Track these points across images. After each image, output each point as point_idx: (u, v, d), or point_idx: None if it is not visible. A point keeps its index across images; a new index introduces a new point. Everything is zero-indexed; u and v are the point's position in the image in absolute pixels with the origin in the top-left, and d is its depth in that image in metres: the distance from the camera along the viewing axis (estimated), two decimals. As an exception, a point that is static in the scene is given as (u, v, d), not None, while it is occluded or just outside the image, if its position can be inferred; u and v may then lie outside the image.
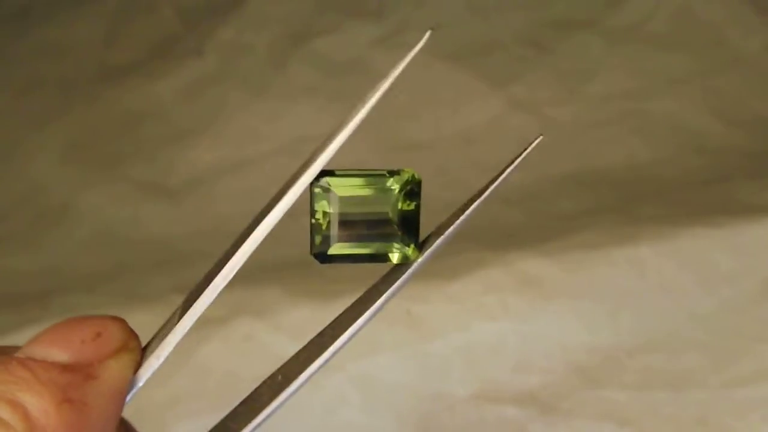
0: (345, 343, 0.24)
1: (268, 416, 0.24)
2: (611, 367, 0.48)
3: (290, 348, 0.52)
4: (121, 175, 0.67)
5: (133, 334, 0.21)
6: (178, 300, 0.56)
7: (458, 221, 0.22)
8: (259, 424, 0.24)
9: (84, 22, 0.78)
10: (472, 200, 0.23)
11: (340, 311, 0.53)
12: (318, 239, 0.22)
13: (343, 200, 0.22)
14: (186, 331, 0.22)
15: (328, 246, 0.22)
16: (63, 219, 0.64)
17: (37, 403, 0.18)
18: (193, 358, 0.49)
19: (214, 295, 0.22)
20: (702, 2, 0.70)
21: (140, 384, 0.21)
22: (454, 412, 0.47)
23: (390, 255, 0.23)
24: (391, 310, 0.50)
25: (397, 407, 0.47)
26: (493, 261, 0.52)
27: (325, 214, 0.22)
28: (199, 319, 0.53)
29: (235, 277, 0.56)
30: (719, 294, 0.50)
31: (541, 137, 0.22)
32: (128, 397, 0.21)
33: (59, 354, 0.19)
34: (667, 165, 0.61)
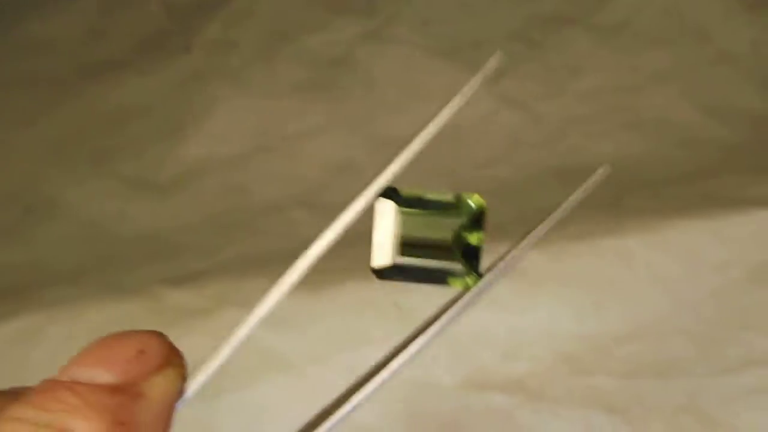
0: (399, 368, 0.23)
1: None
2: (598, 355, 0.48)
3: (275, 339, 0.52)
4: (108, 170, 0.67)
5: (175, 349, 0.21)
6: (164, 291, 0.56)
7: (522, 246, 0.23)
8: None
9: (71, 17, 0.78)
10: (531, 230, 0.23)
11: (327, 302, 0.53)
12: (378, 256, 0.22)
13: (406, 220, 0.22)
14: (237, 344, 0.22)
15: (388, 264, 0.22)
16: (50, 214, 0.64)
17: (89, 428, 0.18)
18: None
19: (272, 304, 0.23)
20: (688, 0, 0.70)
21: (189, 395, 0.21)
22: (441, 400, 0.47)
23: (450, 280, 0.23)
24: (377, 302, 0.51)
25: (384, 397, 0.47)
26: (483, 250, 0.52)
27: (387, 231, 0.22)
28: (183, 310, 0.53)
29: (220, 269, 0.56)
30: (706, 283, 0.50)
31: (605, 168, 0.24)
32: (178, 410, 0.21)
33: (105, 375, 0.19)
34: (655, 159, 0.62)
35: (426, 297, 0.51)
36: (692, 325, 0.49)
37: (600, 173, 0.22)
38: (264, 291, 0.53)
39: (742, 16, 0.68)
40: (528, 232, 0.23)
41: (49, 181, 0.66)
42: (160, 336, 0.21)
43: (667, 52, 0.68)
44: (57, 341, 0.51)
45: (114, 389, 0.19)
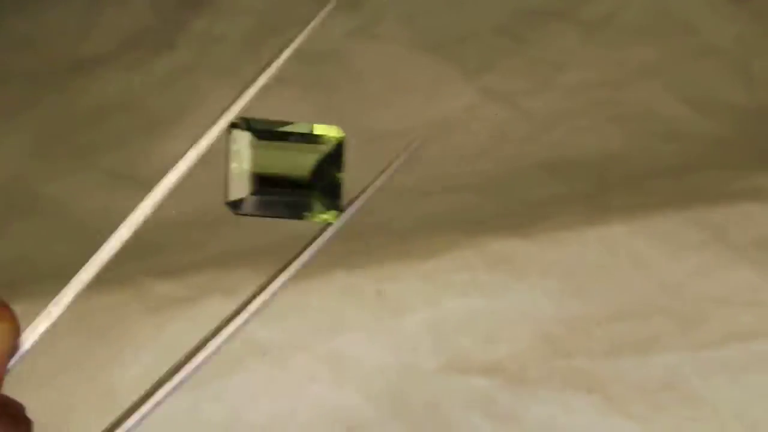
0: (265, 303, 0.23)
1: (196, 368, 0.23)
2: (579, 336, 0.48)
3: (257, 327, 0.52)
4: (93, 165, 0.67)
5: (5, 306, 0.22)
6: (149, 282, 0.56)
7: (378, 181, 0.22)
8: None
9: (56, 14, 0.78)
10: (391, 163, 0.22)
11: (310, 292, 0.52)
12: (232, 189, 0.22)
13: (262, 153, 0.21)
14: (70, 299, 0.23)
15: (242, 197, 0.22)
16: (33, 209, 0.64)
17: None
18: (161, 336, 0.49)
19: (106, 258, 0.22)
20: (674, -7, 0.70)
21: (26, 347, 0.22)
22: (423, 384, 0.47)
23: (309, 216, 0.22)
24: (360, 290, 0.51)
25: (367, 382, 0.47)
26: (466, 243, 0.52)
27: (241, 164, 0.21)
28: (168, 298, 0.53)
29: (204, 262, 0.56)
30: (687, 262, 0.51)
31: (419, 142, 0.22)
32: (12, 362, 0.21)
33: None
34: (640, 152, 0.62)
35: (408, 285, 0.51)
36: (673, 303, 0.49)
37: (413, 146, 0.22)
38: (246, 280, 0.53)
39: (727, 9, 0.68)
40: (388, 165, 0.22)
41: (32, 176, 0.66)
42: None
43: (652, 47, 0.68)
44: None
45: None
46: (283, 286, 0.23)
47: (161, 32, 0.76)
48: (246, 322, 0.23)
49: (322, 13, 0.21)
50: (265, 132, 0.21)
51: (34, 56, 0.76)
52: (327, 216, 0.21)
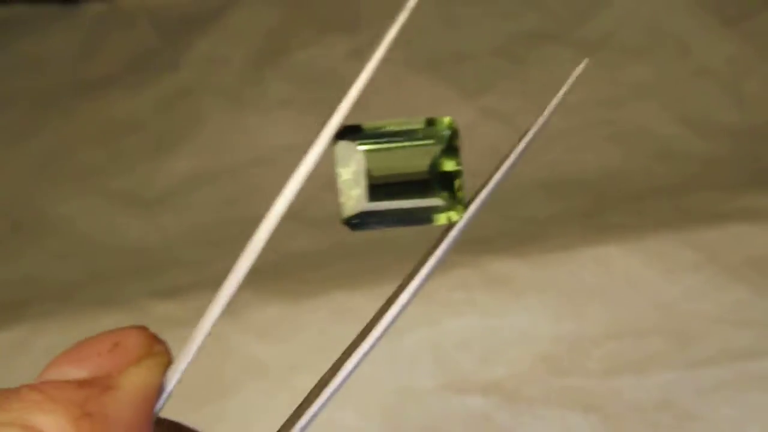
0: (399, 313, 0.22)
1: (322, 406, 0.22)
2: (576, 355, 0.49)
3: (259, 348, 0.53)
4: (98, 186, 0.67)
5: (156, 339, 0.20)
6: (153, 305, 0.57)
7: (504, 168, 0.21)
8: (311, 417, 0.22)
9: (61, 35, 0.79)
10: (514, 148, 0.21)
11: (310, 312, 0.53)
12: (347, 205, 0.20)
13: (372, 158, 0.19)
14: (209, 327, 0.21)
15: (360, 211, 0.20)
16: (39, 229, 0.65)
17: (53, 422, 0.17)
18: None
19: (237, 283, 0.20)
20: (669, 15, 0.71)
21: (170, 388, 0.20)
22: (420, 403, 0.48)
23: (433, 217, 0.20)
24: (358, 310, 0.51)
25: (365, 401, 0.47)
26: (463, 262, 0.53)
27: (352, 174, 0.19)
28: (168, 319, 0.54)
29: (208, 282, 0.57)
30: (683, 282, 0.51)
31: (585, 62, 0.21)
32: (160, 403, 0.20)
33: (75, 372, 0.19)
34: (636, 172, 0.62)
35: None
36: (668, 322, 0.50)
37: (581, 68, 0.21)
38: (247, 299, 0.53)
39: (720, 31, 0.69)
40: (509, 152, 0.21)
41: (38, 197, 0.67)
42: (138, 328, 0.20)
43: (647, 67, 0.69)
44: (43, 353, 0.51)
45: (82, 383, 0.18)
46: (415, 293, 0.21)
47: (165, 54, 0.77)
48: (373, 345, 0.22)
49: (411, 2, 0.20)
50: (372, 136, 0.19)
51: (39, 77, 0.77)
52: (452, 214, 0.20)
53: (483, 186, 0.21)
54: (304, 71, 0.74)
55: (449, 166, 0.20)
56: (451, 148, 0.20)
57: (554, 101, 0.21)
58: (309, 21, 0.76)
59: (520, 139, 0.21)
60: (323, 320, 0.51)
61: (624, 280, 0.52)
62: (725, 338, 0.48)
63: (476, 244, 0.55)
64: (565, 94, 0.21)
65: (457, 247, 0.59)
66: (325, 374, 0.23)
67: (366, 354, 0.22)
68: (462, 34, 0.73)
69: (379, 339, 0.22)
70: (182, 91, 0.73)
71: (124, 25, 0.79)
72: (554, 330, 0.50)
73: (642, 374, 0.48)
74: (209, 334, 0.21)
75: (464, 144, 0.66)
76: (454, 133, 0.20)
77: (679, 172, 0.62)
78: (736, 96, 0.66)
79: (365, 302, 0.51)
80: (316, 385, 0.22)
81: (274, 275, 0.53)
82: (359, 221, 0.20)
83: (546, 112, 0.21)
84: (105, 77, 0.76)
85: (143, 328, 0.20)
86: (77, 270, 0.61)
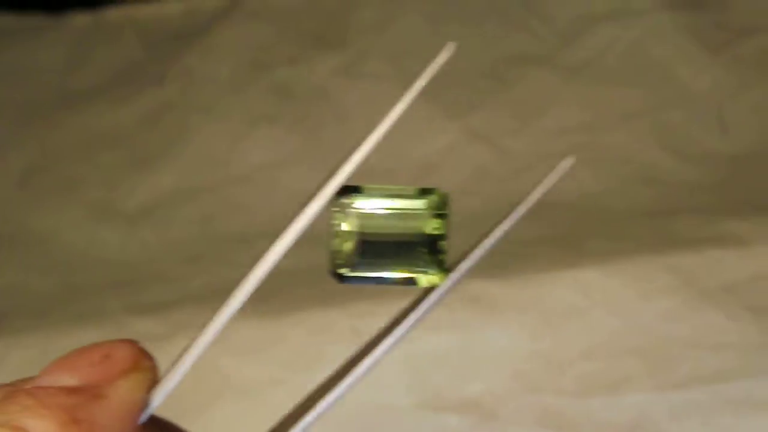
0: (370, 368, 0.22)
1: None
2: (552, 374, 0.49)
3: (234, 364, 0.52)
4: (78, 199, 0.67)
5: (145, 354, 0.21)
6: (132, 321, 0.56)
7: (487, 243, 0.22)
8: None
9: (46, 47, 0.79)
10: (498, 223, 0.22)
11: (286, 328, 0.53)
12: (338, 258, 0.21)
13: (367, 218, 0.21)
14: (201, 351, 0.22)
15: (348, 266, 0.21)
16: (19, 242, 0.64)
17: (41, 425, 0.18)
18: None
19: (232, 312, 0.22)
20: (653, 40, 0.71)
21: (155, 405, 0.21)
22: (396, 421, 0.48)
23: (417, 278, 0.21)
24: (335, 327, 0.51)
25: (341, 419, 0.47)
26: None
27: (345, 232, 0.21)
28: (148, 335, 0.54)
29: (186, 298, 0.56)
30: (659, 304, 0.51)
31: (571, 160, 0.22)
32: (143, 417, 0.21)
33: (67, 379, 0.20)
34: (617, 197, 0.63)
35: (383, 322, 0.52)
36: (643, 344, 0.50)
37: (564, 165, 0.22)
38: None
39: (705, 56, 0.70)
40: (493, 227, 0.22)
41: (19, 209, 0.66)
42: (129, 342, 0.21)
43: (631, 91, 0.69)
44: (18, 368, 0.51)
45: (72, 390, 0.19)
46: (383, 354, 0.22)
47: (151, 68, 0.76)
48: (340, 396, 0.22)
49: (443, 56, 0.22)
50: (368, 197, 0.21)
51: (23, 89, 0.76)
52: (434, 278, 0.21)
53: (466, 255, 0.22)
54: (289, 88, 0.74)
55: (436, 232, 0.21)
56: (439, 216, 0.21)
57: (536, 192, 0.22)
58: (296, 38, 0.76)
59: (504, 218, 0.22)
60: (300, 337, 0.51)
61: (601, 302, 0.52)
62: (699, 361, 0.49)
63: (456, 263, 0.55)
64: (547, 189, 0.22)
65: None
66: (283, 420, 0.23)
67: (329, 406, 0.23)
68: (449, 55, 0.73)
69: (344, 393, 0.22)
70: (167, 105, 0.73)
71: (110, 38, 0.79)
72: (531, 348, 0.50)
73: (616, 394, 0.48)
74: (199, 357, 0.22)
75: (447, 164, 0.66)
76: (445, 203, 0.21)
77: (660, 197, 0.62)
78: (718, 122, 0.66)
79: (341, 319, 0.51)
80: (288, 416, 0.23)
81: (253, 293, 0.53)
82: (346, 275, 0.21)
83: (531, 199, 0.22)
84: (89, 90, 0.76)
85: (133, 342, 0.21)
86: (56, 284, 0.60)
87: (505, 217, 0.22)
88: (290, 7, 0.78)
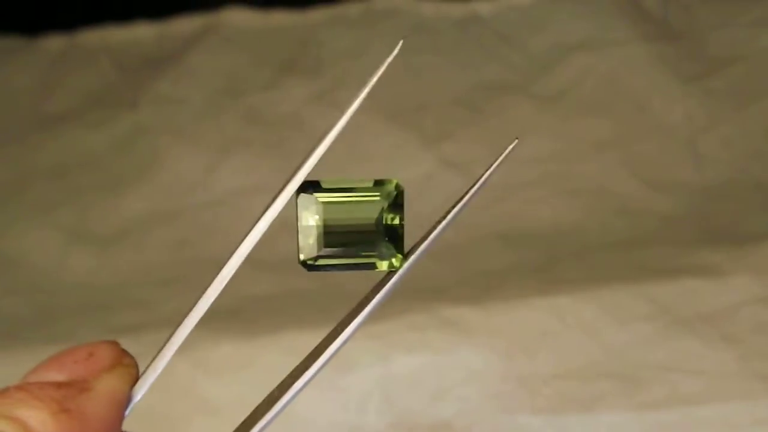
0: (338, 349, 0.24)
1: (265, 426, 0.25)
2: (525, 394, 0.49)
3: (208, 385, 0.52)
4: (51, 222, 0.67)
5: (125, 353, 0.23)
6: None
7: (440, 227, 0.23)
8: None
9: (20, 70, 0.78)
10: (452, 208, 0.23)
11: (260, 349, 0.52)
12: (304, 248, 0.23)
13: (329, 210, 0.22)
14: (177, 345, 0.24)
15: (315, 255, 0.23)
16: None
17: (35, 415, 0.20)
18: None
19: (205, 308, 0.23)
20: (628, 71, 0.72)
21: (138, 398, 0.22)
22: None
23: (377, 264, 0.23)
24: (308, 348, 0.50)
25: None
26: (419, 308, 0.53)
27: (311, 223, 0.22)
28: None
29: (158, 322, 0.56)
30: (634, 331, 0.52)
31: (517, 141, 0.24)
32: (127, 410, 0.22)
33: (55, 375, 0.21)
34: (592, 226, 0.63)
35: (357, 344, 0.52)
36: (618, 367, 0.50)
37: (510, 147, 0.24)
38: (199, 336, 0.52)
39: (678, 88, 0.70)
40: (447, 212, 0.23)
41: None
42: (110, 342, 0.22)
43: (605, 122, 0.70)
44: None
45: (61, 384, 0.21)
46: (350, 335, 0.24)
47: (124, 92, 0.76)
48: (312, 378, 0.25)
49: (390, 57, 0.23)
50: (329, 191, 0.23)
51: (-5, 112, 0.76)
52: (393, 261, 0.23)
53: (422, 240, 0.23)
54: (262, 114, 0.74)
55: (393, 220, 0.23)
56: (396, 205, 0.23)
57: (486, 174, 0.24)
58: (269, 64, 0.77)
59: (455, 203, 0.24)
60: (272, 358, 0.50)
61: (575, 327, 0.52)
62: (673, 384, 0.49)
63: (431, 292, 0.55)
64: (496, 168, 0.24)
65: (412, 294, 0.59)
66: (259, 405, 0.26)
67: (302, 389, 0.25)
68: (423, 83, 0.73)
69: (315, 375, 0.25)
70: (140, 129, 0.73)
71: (84, 62, 0.78)
72: (505, 369, 0.50)
73: (589, 414, 0.48)
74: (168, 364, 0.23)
75: (422, 192, 0.65)
76: (400, 193, 0.23)
77: (634, 227, 0.62)
78: (692, 153, 0.67)
79: (314, 341, 0.50)
80: (249, 416, 0.25)
81: (227, 315, 0.53)
82: (314, 263, 0.23)
83: (481, 180, 0.24)
84: (63, 113, 0.75)
85: (114, 343, 0.23)
86: (28, 306, 0.60)
87: (457, 201, 0.23)
88: (264, 34, 0.78)
